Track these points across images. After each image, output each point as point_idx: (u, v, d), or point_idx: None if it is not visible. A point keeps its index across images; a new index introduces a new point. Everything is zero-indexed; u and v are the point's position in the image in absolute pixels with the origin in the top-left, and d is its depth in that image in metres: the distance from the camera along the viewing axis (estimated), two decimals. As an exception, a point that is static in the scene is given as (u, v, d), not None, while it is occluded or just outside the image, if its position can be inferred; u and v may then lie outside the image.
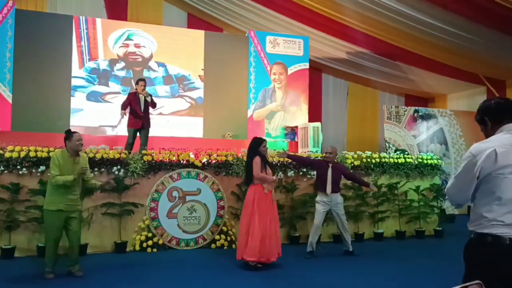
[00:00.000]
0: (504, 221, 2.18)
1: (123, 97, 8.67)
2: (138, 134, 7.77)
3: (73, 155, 5.04)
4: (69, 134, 5.02)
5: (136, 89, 7.71)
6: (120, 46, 10.89)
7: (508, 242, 2.15)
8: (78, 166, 4.98)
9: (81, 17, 10.69)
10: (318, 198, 6.42)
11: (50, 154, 5.28)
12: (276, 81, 11.86)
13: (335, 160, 6.77)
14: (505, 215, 2.18)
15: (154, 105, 7.83)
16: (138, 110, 7.61)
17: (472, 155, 2.26)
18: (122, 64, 10.88)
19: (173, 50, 11.27)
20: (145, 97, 7.64)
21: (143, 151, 6.81)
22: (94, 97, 10.57)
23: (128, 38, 10.96)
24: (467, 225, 2.37)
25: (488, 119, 2.39)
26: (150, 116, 8.00)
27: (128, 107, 7.74)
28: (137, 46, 11.02)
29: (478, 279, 1.95)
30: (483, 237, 2.24)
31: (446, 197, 2.53)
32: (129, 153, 6.84)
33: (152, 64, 11.10)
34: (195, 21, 12.84)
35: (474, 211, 2.33)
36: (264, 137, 6.15)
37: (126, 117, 7.83)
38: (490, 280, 1.97)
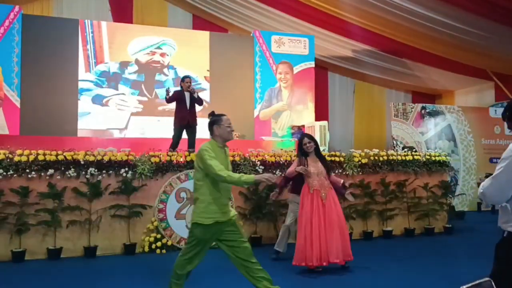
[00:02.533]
0: None
1: (131, 100, 8.71)
2: (184, 132, 7.67)
3: (223, 146, 3.83)
4: (216, 117, 3.81)
5: (182, 86, 7.69)
6: (147, 53, 10.98)
7: None
8: (228, 159, 3.89)
9: (86, 20, 10.76)
10: (291, 199, 6.07)
11: (202, 148, 3.66)
12: (282, 81, 11.84)
13: None
14: None
15: (200, 101, 7.77)
16: (184, 107, 7.58)
17: None
18: (135, 67, 10.93)
19: (179, 51, 11.30)
20: (191, 94, 7.61)
21: (151, 153, 6.82)
22: (101, 100, 10.63)
23: (159, 47, 11.07)
24: (499, 224, 2.33)
25: None
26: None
27: (175, 103, 7.69)
28: (162, 55, 11.13)
29: (508, 277, 1.92)
30: None
31: (480, 197, 2.47)
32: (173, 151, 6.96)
33: (165, 69, 11.18)
34: (200, 22, 12.87)
35: (509, 210, 2.29)
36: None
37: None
38: None
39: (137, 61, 10.94)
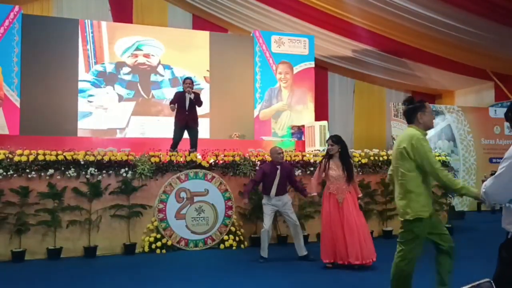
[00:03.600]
0: None
1: (128, 101, 8.70)
2: (185, 133, 7.67)
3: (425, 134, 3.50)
4: (419, 103, 3.50)
5: (183, 88, 7.68)
6: (129, 56, 10.95)
7: None
8: None
9: (86, 20, 10.76)
10: (264, 201, 5.96)
11: (416, 137, 3.32)
12: (282, 81, 11.84)
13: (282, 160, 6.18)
14: None
15: (200, 103, 7.76)
16: (183, 108, 7.58)
17: None
18: (129, 69, 10.93)
19: (179, 52, 11.30)
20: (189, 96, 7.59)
21: (150, 153, 6.82)
22: (100, 100, 10.62)
23: (137, 49, 11.02)
24: (504, 226, 2.32)
25: None
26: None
27: (176, 105, 7.68)
28: (146, 56, 11.09)
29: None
30: None
31: (483, 196, 2.47)
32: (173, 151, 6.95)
33: (159, 68, 11.16)
34: (200, 22, 12.87)
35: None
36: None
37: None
38: None
39: (127, 63, 10.92)
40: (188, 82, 7.61)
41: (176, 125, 7.66)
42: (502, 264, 2.27)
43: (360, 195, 5.63)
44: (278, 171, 5.89)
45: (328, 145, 5.48)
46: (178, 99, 7.58)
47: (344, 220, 5.27)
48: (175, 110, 7.53)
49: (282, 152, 6.12)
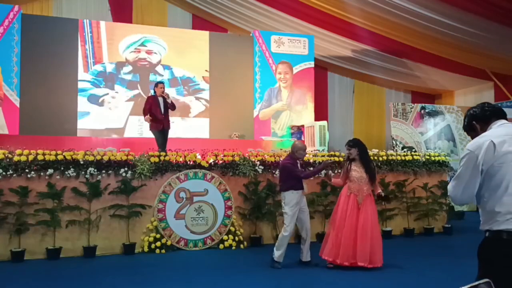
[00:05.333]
0: None
1: (128, 101, 8.71)
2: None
3: None
4: None
5: (155, 92, 7.73)
6: (132, 51, 10.95)
7: None
8: None
9: (85, 20, 10.75)
10: (291, 199, 5.49)
11: None
12: (282, 80, 11.85)
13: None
14: None
15: (173, 106, 7.84)
16: (158, 112, 7.62)
17: (471, 151, 2.28)
18: (129, 68, 10.93)
19: (178, 52, 11.30)
20: (164, 99, 7.67)
21: (150, 153, 6.82)
22: (100, 100, 10.62)
23: (142, 44, 11.02)
24: (480, 226, 2.34)
25: (476, 122, 2.45)
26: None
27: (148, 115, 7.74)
28: (148, 52, 11.09)
29: (495, 278, 1.92)
30: (498, 234, 2.21)
31: (450, 200, 2.51)
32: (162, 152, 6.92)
33: (158, 68, 11.15)
34: (199, 22, 12.87)
35: (485, 209, 2.30)
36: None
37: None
38: (507, 279, 1.94)
39: (127, 60, 10.92)
40: (162, 86, 7.76)
41: (153, 127, 7.71)
42: (482, 266, 2.28)
43: (379, 191, 5.60)
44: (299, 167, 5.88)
45: (346, 150, 5.59)
46: (153, 104, 7.63)
47: (360, 222, 5.30)
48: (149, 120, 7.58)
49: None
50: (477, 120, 2.46)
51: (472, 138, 2.45)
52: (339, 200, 5.53)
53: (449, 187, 2.42)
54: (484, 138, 2.29)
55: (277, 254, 5.47)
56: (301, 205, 5.58)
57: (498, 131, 2.32)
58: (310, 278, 5.05)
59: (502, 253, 2.17)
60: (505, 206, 2.18)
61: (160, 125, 7.63)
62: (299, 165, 5.80)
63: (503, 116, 2.42)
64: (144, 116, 7.67)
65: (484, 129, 2.41)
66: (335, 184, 5.86)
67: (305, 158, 7.55)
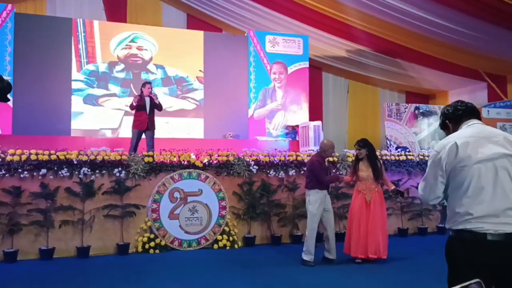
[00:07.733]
0: (473, 213, 2.18)
1: (122, 100, 8.68)
2: (143, 136, 7.75)
3: None
4: None
5: (142, 91, 7.72)
6: (123, 48, 10.90)
7: (482, 236, 2.15)
8: None
9: (78, 19, 10.69)
10: (316, 197, 5.63)
11: None
12: (276, 80, 11.85)
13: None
14: (474, 207, 2.19)
15: (160, 107, 7.84)
16: (144, 112, 7.62)
17: (436, 152, 2.34)
18: (122, 66, 10.88)
19: (172, 51, 11.27)
20: (151, 100, 7.67)
21: (144, 153, 6.81)
22: (93, 100, 10.57)
23: (132, 41, 10.97)
24: (445, 225, 2.40)
25: (449, 122, 2.52)
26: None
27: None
28: (139, 48, 11.03)
29: (458, 277, 1.95)
30: (458, 233, 2.26)
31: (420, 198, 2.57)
32: (132, 154, 6.84)
33: (150, 66, 11.11)
34: (194, 21, 12.82)
35: (448, 209, 2.37)
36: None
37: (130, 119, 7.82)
38: (468, 277, 1.96)
39: (119, 58, 10.88)
40: (149, 86, 7.80)
41: (135, 127, 7.71)
42: (448, 264, 2.32)
43: (393, 187, 5.84)
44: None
45: (356, 150, 5.94)
46: (138, 103, 7.63)
47: (369, 218, 5.67)
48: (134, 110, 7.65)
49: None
50: (449, 120, 2.52)
51: (446, 136, 2.49)
52: (352, 199, 5.94)
53: (419, 187, 2.50)
54: (450, 139, 2.34)
55: (307, 254, 5.63)
56: (326, 205, 5.76)
57: (465, 132, 2.35)
58: (307, 277, 5.05)
59: (463, 252, 2.24)
60: (464, 207, 2.22)
61: (144, 125, 7.62)
62: (325, 163, 6.13)
63: (475, 115, 2.45)
64: (131, 109, 7.72)
65: (455, 129, 2.46)
66: (345, 181, 6.25)
67: (300, 158, 7.59)
